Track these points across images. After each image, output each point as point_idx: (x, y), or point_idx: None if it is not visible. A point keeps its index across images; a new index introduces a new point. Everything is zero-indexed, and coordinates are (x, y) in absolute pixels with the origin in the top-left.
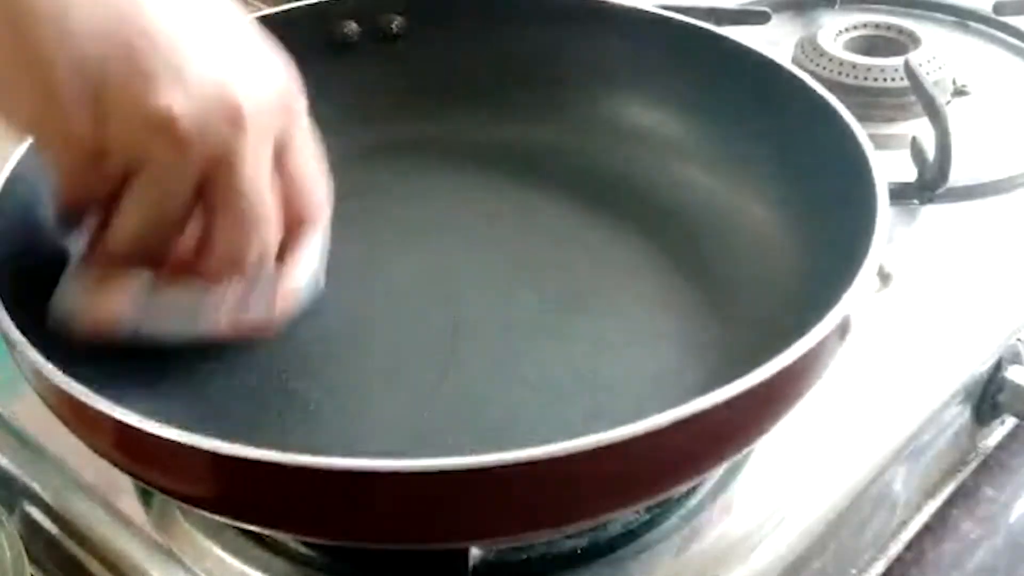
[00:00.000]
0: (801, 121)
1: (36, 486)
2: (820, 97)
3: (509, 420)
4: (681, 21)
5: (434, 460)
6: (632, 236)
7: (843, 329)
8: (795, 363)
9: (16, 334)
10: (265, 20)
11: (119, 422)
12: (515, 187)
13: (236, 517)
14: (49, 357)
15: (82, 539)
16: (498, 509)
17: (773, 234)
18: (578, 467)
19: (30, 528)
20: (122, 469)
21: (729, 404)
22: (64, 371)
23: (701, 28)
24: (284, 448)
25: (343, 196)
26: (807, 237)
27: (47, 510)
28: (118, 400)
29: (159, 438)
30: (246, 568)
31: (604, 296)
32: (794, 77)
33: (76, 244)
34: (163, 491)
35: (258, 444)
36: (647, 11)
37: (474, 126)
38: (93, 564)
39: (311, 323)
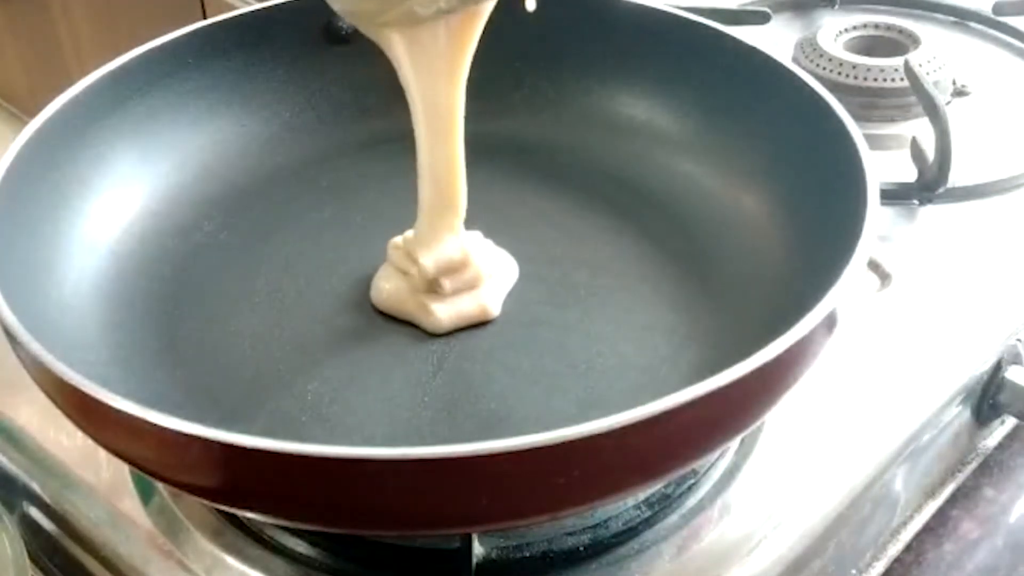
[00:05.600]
0: (794, 115)
1: (36, 486)
2: (812, 91)
3: (505, 410)
4: (677, 16)
5: (434, 448)
6: (626, 229)
7: (831, 322)
8: (783, 355)
9: (18, 327)
10: (260, 15)
11: (121, 412)
12: (509, 180)
13: (237, 506)
14: (49, 350)
15: (82, 539)
16: (496, 496)
17: (765, 228)
18: (573, 454)
19: (30, 528)
20: (125, 460)
21: (718, 394)
22: (64, 363)
23: (697, 23)
24: (282, 438)
25: (338, 189)
26: (799, 231)
27: (47, 510)
28: (118, 392)
29: (161, 428)
30: (246, 568)
31: (597, 288)
32: (787, 71)
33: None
34: (167, 481)
35: (257, 434)
36: (643, 5)
37: (468, 119)
38: (93, 564)
39: (308, 315)
